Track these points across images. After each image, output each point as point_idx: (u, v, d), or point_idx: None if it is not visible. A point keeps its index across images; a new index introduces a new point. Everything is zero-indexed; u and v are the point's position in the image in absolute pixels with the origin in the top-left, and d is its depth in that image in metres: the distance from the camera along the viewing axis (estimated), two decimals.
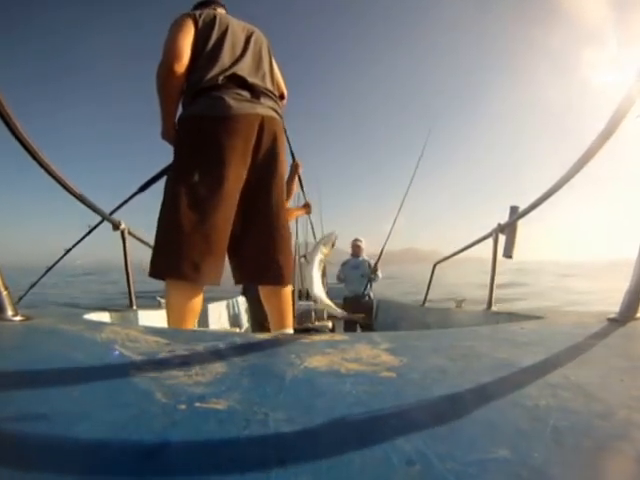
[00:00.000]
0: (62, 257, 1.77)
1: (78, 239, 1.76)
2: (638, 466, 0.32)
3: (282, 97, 1.60)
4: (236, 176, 1.25)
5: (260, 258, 1.32)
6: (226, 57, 1.32)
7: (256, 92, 1.32)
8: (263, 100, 1.33)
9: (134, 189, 1.63)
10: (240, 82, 1.30)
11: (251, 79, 1.33)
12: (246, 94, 1.29)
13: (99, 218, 1.65)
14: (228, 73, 1.28)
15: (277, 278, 1.34)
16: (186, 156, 1.27)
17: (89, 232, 1.73)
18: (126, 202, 1.70)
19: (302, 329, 2.63)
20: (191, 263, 1.15)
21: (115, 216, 1.70)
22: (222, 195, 1.20)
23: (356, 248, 4.43)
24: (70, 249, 1.77)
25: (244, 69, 1.33)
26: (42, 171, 1.21)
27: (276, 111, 1.38)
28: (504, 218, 1.68)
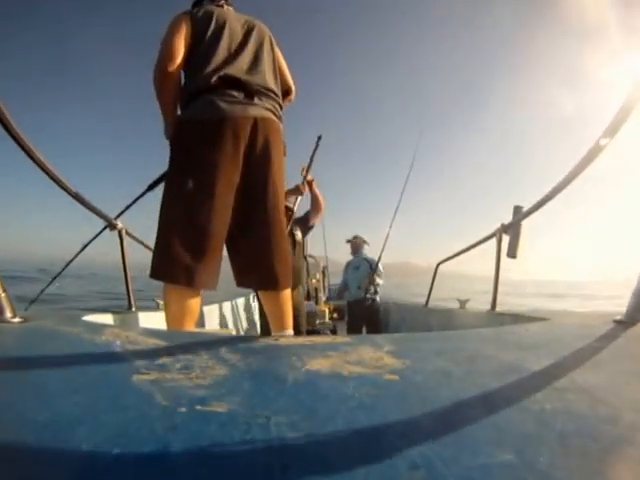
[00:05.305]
0: (70, 262, 1.77)
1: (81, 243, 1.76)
2: None
3: (289, 92, 1.56)
4: (227, 180, 1.24)
5: (255, 264, 1.32)
6: (220, 56, 1.31)
7: (251, 91, 1.30)
8: (258, 100, 1.31)
9: (137, 190, 1.63)
10: (234, 82, 1.28)
11: (246, 77, 1.31)
12: (239, 95, 1.28)
13: (95, 219, 1.64)
14: (221, 73, 1.28)
15: (271, 284, 1.33)
16: (178, 161, 1.27)
17: (94, 238, 1.73)
18: (131, 205, 1.70)
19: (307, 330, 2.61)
20: (184, 268, 1.17)
21: (110, 216, 1.69)
22: (213, 200, 1.21)
23: (354, 245, 4.10)
24: (77, 254, 1.77)
25: (239, 67, 1.32)
26: (38, 170, 1.20)
27: (273, 112, 1.35)
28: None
